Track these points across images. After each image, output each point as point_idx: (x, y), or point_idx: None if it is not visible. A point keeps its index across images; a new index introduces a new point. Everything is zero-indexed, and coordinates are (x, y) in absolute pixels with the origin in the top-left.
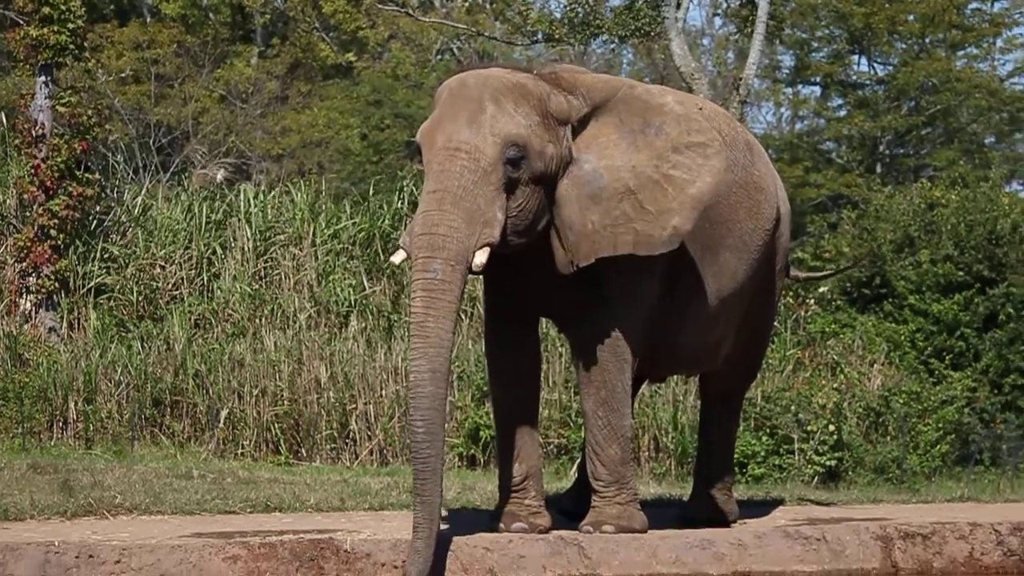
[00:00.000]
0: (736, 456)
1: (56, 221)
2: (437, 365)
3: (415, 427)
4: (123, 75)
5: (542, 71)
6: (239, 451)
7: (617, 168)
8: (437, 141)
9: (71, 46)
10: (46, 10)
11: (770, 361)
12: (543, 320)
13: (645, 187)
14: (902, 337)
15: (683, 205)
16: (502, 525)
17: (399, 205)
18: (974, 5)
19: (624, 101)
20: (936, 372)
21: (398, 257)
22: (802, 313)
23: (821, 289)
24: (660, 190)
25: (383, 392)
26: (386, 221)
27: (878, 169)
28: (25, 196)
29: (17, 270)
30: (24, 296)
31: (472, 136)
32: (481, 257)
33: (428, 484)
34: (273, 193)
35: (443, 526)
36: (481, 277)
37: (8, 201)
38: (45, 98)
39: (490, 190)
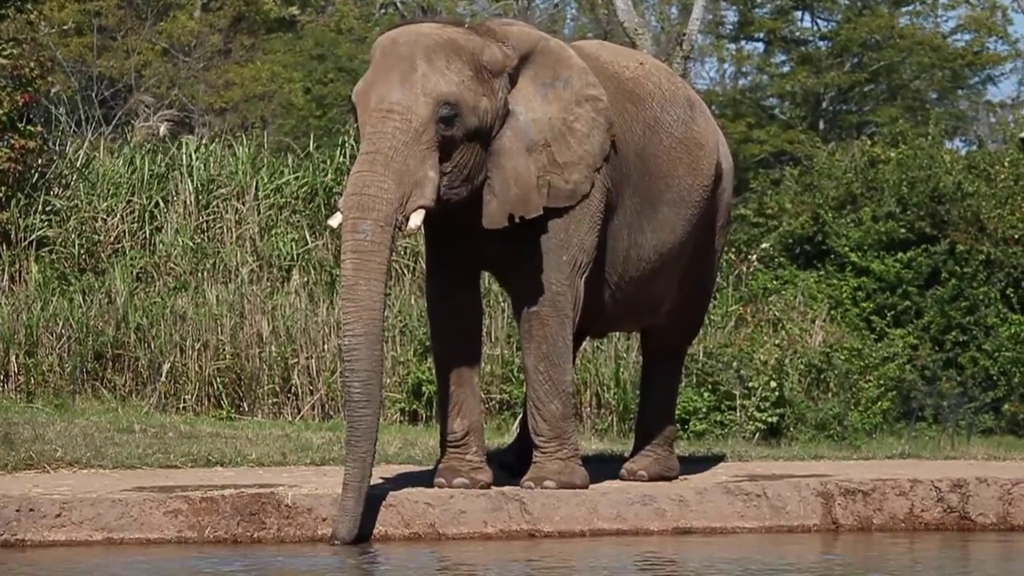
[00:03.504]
0: (678, 412)
1: None
2: (370, 328)
3: (351, 389)
4: (65, 27)
5: (473, 24)
6: (181, 405)
7: (539, 120)
8: (370, 102)
9: None
10: None
11: (712, 317)
12: (485, 275)
13: (556, 139)
14: (844, 294)
15: (581, 160)
16: (443, 480)
17: (341, 160)
18: None
19: (541, 53)
20: (878, 329)
21: (335, 220)
22: (744, 269)
23: (763, 245)
24: (565, 143)
25: (325, 347)
26: (328, 176)
27: (821, 126)
28: None
29: None
30: None
31: (404, 96)
32: (416, 220)
33: (361, 443)
34: (215, 147)
35: (384, 481)
36: (423, 231)
37: None
38: None
39: (422, 150)
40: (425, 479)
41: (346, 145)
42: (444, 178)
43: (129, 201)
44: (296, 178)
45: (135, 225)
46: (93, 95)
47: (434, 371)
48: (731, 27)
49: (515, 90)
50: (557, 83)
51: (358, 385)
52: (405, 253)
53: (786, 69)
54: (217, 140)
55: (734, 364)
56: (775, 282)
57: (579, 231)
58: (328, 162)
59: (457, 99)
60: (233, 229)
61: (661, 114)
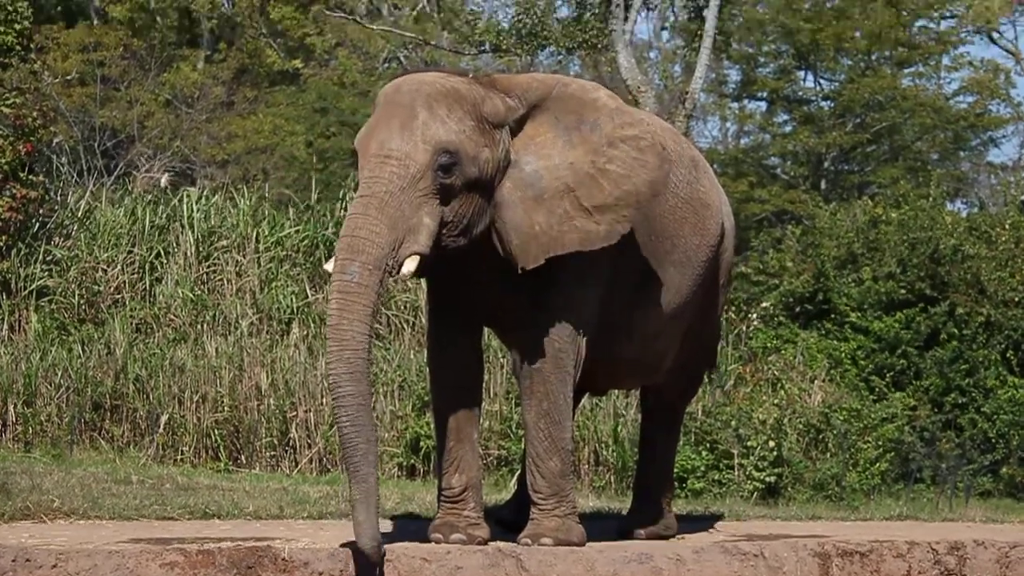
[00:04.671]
0: (676, 470)
1: None
2: (354, 367)
3: (341, 424)
4: (69, 77)
5: (478, 75)
6: (179, 457)
7: (556, 167)
8: (370, 148)
9: (17, 47)
10: None
11: (711, 375)
12: (486, 330)
13: (583, 183)
14: (843, 354)
15: (619, 201)
16: (440, 536)
17: (342, 213)
18: (921, 23)
19: (559, 99)
20: (877, 390)
21: (330, 264)
22: (744, 328)
23: (764, 304)
24: (597, 186)
25: (323, 401)
26: (329, 229)
27: (823, 185)
28: None
29: None
30: None
31: (403, 143)
32: (409, 266)
33: (361, 466)
34: (217, 198)
35: (381, 535)
36: (424, 283)
37: None
38: None
39: (418, 196)
40: (422, 534)
41: (347, 198)
42: (443, 227)
43: (130, 252)
44: (297, 231)
45: (135, 276)
46: (95, 145)
47: (433, 425)
48: (734, 86)
49: (525, 138)
50: (583, 127)
51: (347, 420)
52: (405, 308)
53: (788, 129)
54: (218, 192)
55: (733, 423)
56: (775, 341)
57: (585, 289)
58: (329, 215)
59: (456, 148)
60: (233, 281)
61: (669, 175)
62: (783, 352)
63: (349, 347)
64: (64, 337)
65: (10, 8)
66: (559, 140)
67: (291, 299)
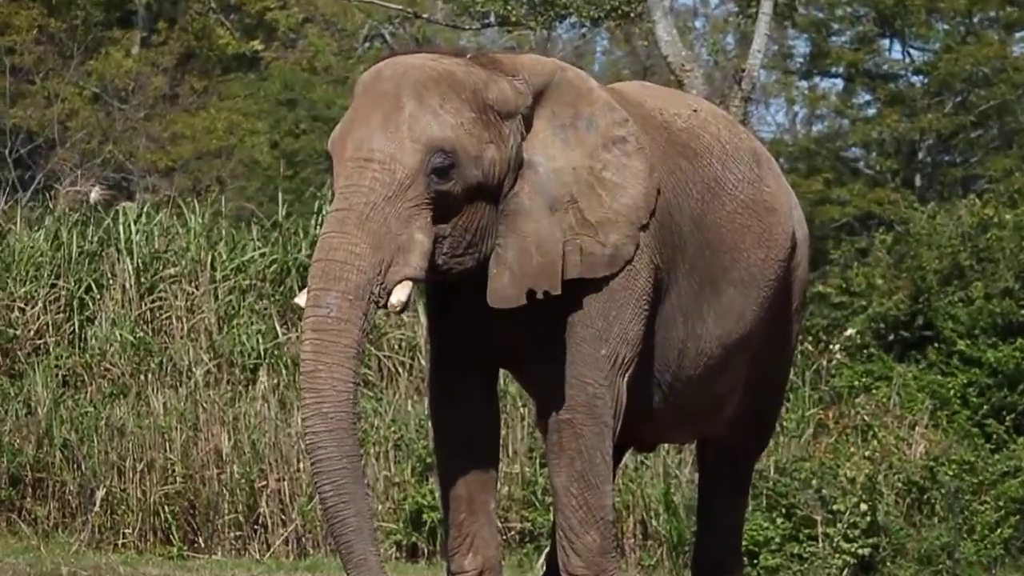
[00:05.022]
0: (745, 543)
1: None
2: (336, 422)
3: (323, 494)
4: None
5: (477, 55)
6: (120, 541)
7: (561, 171)
8: (347, 149)
9: None
10: None
11: (785, 423)
12: (502, 373)
13: (583, 194)
14: (951, 392)
15: (619, 216)
16: None
17: (318, 231)
18: None
19: (557, 88)
20: (995, 436)
21: (301, 299)
22: (825, 363)
23: (848, 332)
24: (596, 197)
25: (300, 466)
26: (302, 251)
27: (917, 181)
28: None
29: None
30: None
31: (386, 142)
32: (400, 294)
33: (355, 544)
34: (161, 216)
35: None
36: (422, 316)
37: None
38: None
39: (407, 207)
40: None
41: (323, 212)
42: (442, 244)
43: (53, 285)
44: (262, 254)
45: (61, 316)
46: (6, 153)
47: (438, 494)
48: (802, 60)
49: (531, 135)
50: (579, 123)
51: (330, 489)
52: (399, 347)
53: (872, 112)
54: (163, 208)
55: (814, 482)
56: (864, 378)
57: (621, 317)
58: (301, 234)
59: (453, 145)
60: (184, 319)
61: (722, 172)
62: (874, 392)
63: (328, 398)
64: None
65: None
66: (557, 138)
67: (257, 340)
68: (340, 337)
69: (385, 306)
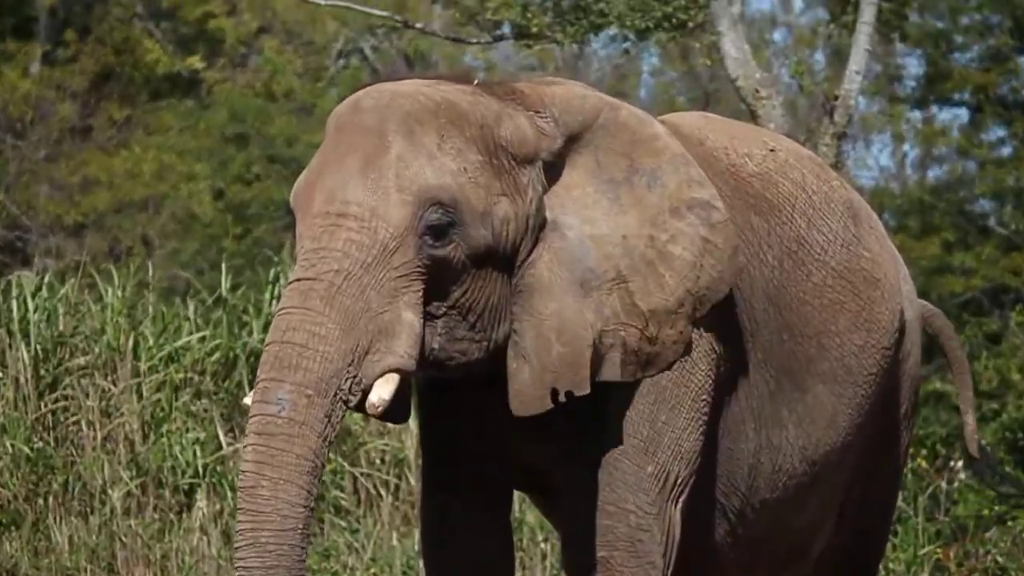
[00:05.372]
0: None
1: None
2: (276, 558)
3: None
4: None
5: (489, 82)
6: None
7: (604, 239)
8: (315, 202)
9: None
10: None
11: (891, 565)
12: (517, 496)
13: (637, 271)
14: None
15: (682, 305)
16: None
17: (274, 308)
18: None
19: (605, 131)
20: None
21: (250, 398)
22: (944, 485)
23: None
24: (655, 277)
25: None
26: (254, 335)
27: None
28: None
29: None
30: None
31: (366, 193)
32: (382, 390)
33: None
34: (68, 288)
35: None
36: (413, 423)
37: None
38: None
39: (393, 278)
40: None
41: (282, 283)
42: (436, 326)
43: None
44: (201, 339)
45: None
46: None
47: None
48: (914, 84)
49: (560, 187)
50: (636, 179)
51: None
52: (383, 463)
53: (1006, 151)
54: (70, 277)
55: None
56: (996, 506)
57: (673, 424)
58: (253, 313)
59: (454, 197)
60: (97, 425)
61: (808, 232)
62: (1010, 524)
63: (269, 524)
64: None
65: None
66: (603, 197)
67: (193, 453)
68: (292, 444)
69: (360, 407)
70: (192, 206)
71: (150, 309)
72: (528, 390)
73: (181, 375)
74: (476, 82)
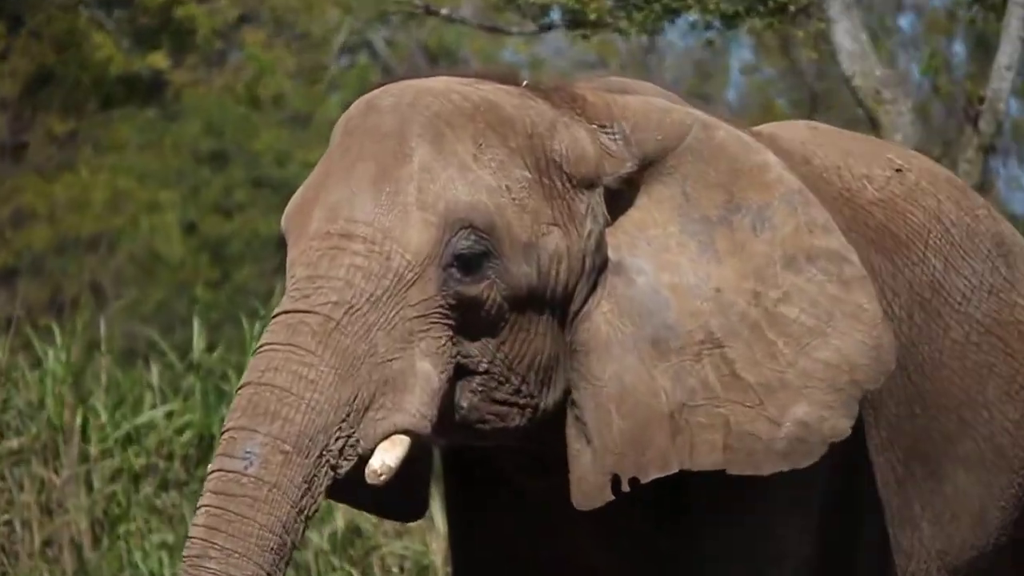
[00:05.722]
0: None
1: None
2: None
3: None
4: None
5: (541, 84)
6: None
7: (689, 291)
8: (311, 222)
9: None
10: None
11: None
12: None
13: (736, 335)
14: None
15: (811, 379)
16: None
17: None
18: None
19: (695, 155)
20: None
21: None
22: None
23: None
24: (763, 344)
25: None
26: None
27: None
28: None
29: None
30: None
31: (378, 210)
32: (388, 455)
33: None
34: None
35: None
36: (438, 517)
37: None
38: None
39: (408, 318)
40: None
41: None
42: (472, 383)
43: None
44: (168, 415)
45: None
46: None
47: None
48: None
49: (629, 224)
50: (738, 220)
51: None
52: (402, 571)
53: None
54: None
55: None
56: None
57: (787, 527)
58: (235, 379)
59: (492, 221)
60: (35, 526)
61: (945, 274)
62: None
63: None
64: None
65: None
66: (691, 240)
67: (159, 561)
68: (256, 511)
69: (354, 472)
70: (156, 244)
71: (103, 376)
72: (588, 478)
73: (143, 460)
74: (524, 83)
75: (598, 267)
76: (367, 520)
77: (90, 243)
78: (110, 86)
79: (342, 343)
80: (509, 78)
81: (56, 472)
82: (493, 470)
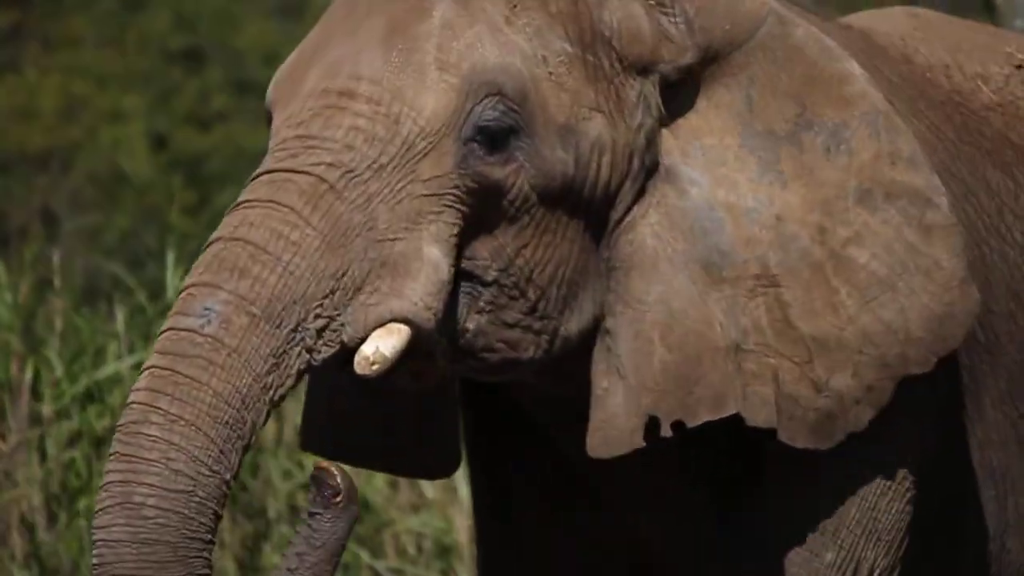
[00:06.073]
0: None
1: None
2: (156, 531)
3: None
4: None
5: None
6: None
7: (747, 214)
8: (307, 81)
9: None
10: None
11: None
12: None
13: (795, 275)
14: None
15: (867, 346)
16: None
17: None
18: None
19: (767, 54)
20: None
21: None
22: None
23: None
24: (824, 290)
25: None
26: None
27: None
28: None
29: None
30: None
31: (387, 68)
32: (383, 343)
33: None
34: None
35: None
36: (461, 488)
37: None
38: None
39: (416, 194)
40: None
41: None
42: (477, 295)
43: None
44: (137, 367)
45: None
46: None
47: None
48: None
49: (684, 127)
50: (809, 137)
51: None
52: (419, 552)
53: None
54: None
55: None
56: None
57: (864, 491)
58: None
59: (524, 88)
60: None
61: None
62: None
63: (150, 479)
64: None
65: None
66: (752, 155)
67: None
68: (210, 375)
69: (342, 360)
70: (119, 161)
71: (57, 321)
72: (617, 420)
73: (106, 422)
74: None
75: (648, 169)
76: (376, 491)
77: (40, 160)
78: None
79: (336, 208)
80: None
81: (2, 437)
82: (524, 426)
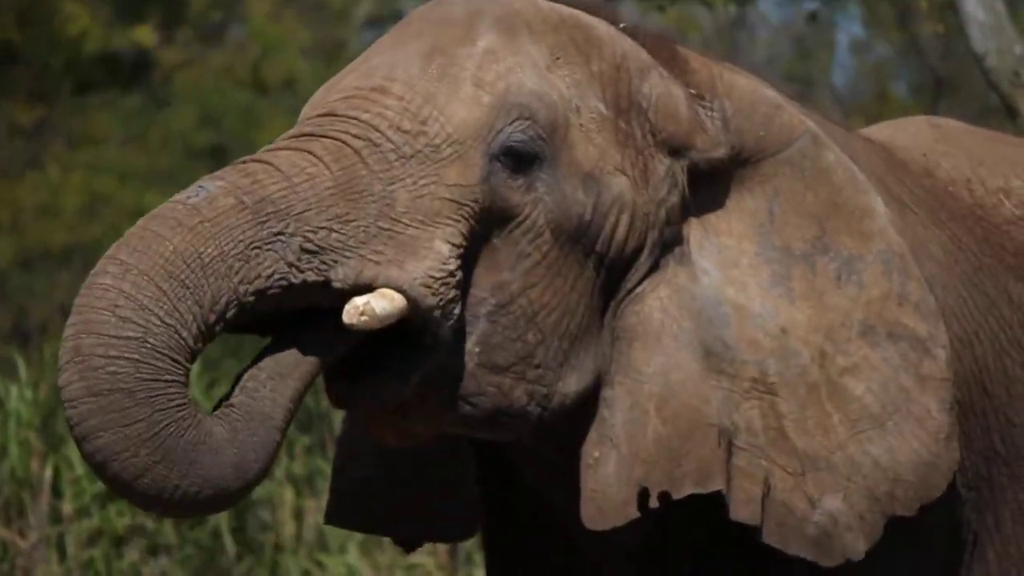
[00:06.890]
0: None
1: None
2: (107, 380)
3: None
4: None
5: (641, 27)
6: None
7: (753, 318)
8: (340, 84)
9: None
10: None
11: None
12: None
13: (791, 390)
14: None
15: (856, 476)
16: None
17: None
18: None
19: (795, 170)
20: None
21: None
22: None
23: None
24: (817, 411)
25: None
26: None
27: None
28: None
29: None
30: None
31: (424, 77)
32: (378, 302)
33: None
34: None
35: None
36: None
37: None
38: None
39: (437, 196)
40: None
41: None
42: (469, 340)
43: None
44: None
45: None
46: None
47: None
48: None
49: (705, 224)
50: (823, 262)
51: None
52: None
53: None
54: None
55: None
56: None
57: None
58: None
59: (554, 120)
60: None
61: None
62: None
63: (97, 328)
64: None
65: None
66: (766, 267)
67: None
68: (176, 233)
69: (325, 299)
70: None
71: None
72: (610, 491)
73: (126, 521)
74: (622, 24)
75: (664, 246)
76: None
77: (61, 257)
78: (85, 67)
79: (357, 169)
80: (609, 15)
81: (22, 534)
82: (541, 527)
